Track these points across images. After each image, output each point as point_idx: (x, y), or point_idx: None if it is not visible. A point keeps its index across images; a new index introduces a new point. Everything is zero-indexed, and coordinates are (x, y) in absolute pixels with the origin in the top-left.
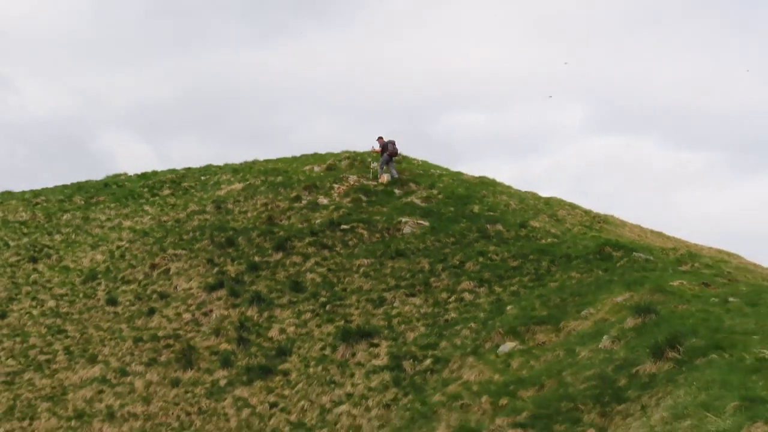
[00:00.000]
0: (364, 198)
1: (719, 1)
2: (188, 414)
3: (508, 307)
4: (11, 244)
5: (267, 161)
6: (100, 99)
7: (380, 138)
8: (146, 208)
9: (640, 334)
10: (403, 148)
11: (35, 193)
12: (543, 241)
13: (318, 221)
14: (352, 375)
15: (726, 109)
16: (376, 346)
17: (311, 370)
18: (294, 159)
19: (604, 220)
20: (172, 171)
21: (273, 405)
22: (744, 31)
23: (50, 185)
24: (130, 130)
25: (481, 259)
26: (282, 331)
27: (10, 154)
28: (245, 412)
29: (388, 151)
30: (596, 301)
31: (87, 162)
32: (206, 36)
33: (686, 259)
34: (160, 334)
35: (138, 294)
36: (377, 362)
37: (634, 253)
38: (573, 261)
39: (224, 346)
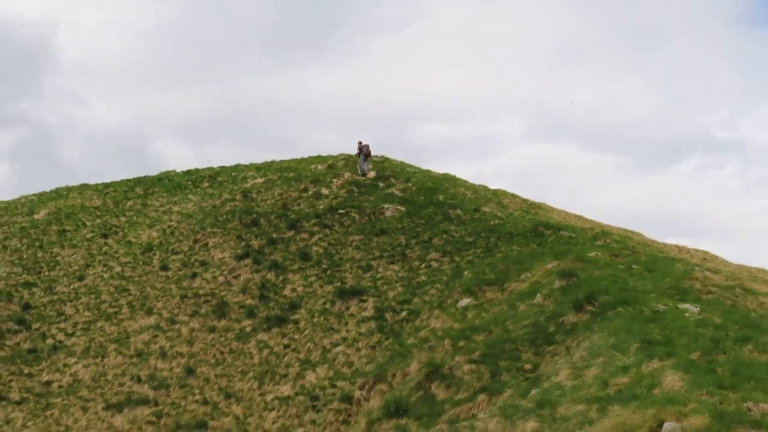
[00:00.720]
0: (355, 189)
1: (623, 36)
2: (222, 353)
3: (465, 272)
4: (87, 224)
5: (282, 161)
6: (154, 113)
7: (359, 142)
8: (190, 196)
9: (565, 292)
10: (385, 151)
11: (106, 185)
12: (492, 222)
13: (321, 207)
14: (347, 323)
15: (630, 121)
16: (365, 301)
17: (315, 319)
18: (302, 159)
19: (538, 206)
20: (210, 168)
21: (286, 346)
22: (637, 62)
23: (117, 179)
24: (177, 137)
25: (444, 236)
26: (293, 290)
27: (86, 155)
28: (265, 351)
29: (363, 152)
30: (532, 267)
31: (145, 161)
32: (234, 65)
33: (600, 236)
34: (201, 292)
35: (184, 262)
36: (365, 314)
37: (560, 231)
38: (514, 237)
39: (249, 301)
